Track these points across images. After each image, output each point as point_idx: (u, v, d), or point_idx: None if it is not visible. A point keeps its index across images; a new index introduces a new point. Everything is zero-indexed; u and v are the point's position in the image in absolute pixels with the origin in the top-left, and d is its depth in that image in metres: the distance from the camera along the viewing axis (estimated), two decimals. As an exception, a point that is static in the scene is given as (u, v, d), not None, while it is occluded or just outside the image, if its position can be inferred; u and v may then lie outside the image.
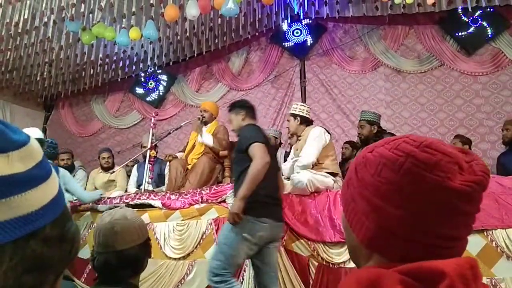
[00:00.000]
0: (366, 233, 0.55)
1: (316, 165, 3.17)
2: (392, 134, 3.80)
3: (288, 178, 3.26)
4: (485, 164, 0.54)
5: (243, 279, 2.81)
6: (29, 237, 0.39)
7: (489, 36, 4.62)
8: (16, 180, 0.38)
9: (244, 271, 2.83)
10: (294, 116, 3.39)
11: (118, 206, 3.53)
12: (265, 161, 2.16)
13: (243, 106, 2.60)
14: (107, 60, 5.58)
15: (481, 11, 4.57)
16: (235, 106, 2.63)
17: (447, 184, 0.50)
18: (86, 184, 5.06)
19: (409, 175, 0.51)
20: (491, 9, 4.52)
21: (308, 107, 3.47)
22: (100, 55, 5.27)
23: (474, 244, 2.32)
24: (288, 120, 3.51)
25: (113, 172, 4.73)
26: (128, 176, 5.01)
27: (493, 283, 2.19)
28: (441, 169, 0.51)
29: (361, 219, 0.56)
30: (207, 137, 3.90)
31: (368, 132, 3.63)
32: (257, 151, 2.20)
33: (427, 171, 0.51)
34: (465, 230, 0.53)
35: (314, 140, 3.18)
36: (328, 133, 3.42)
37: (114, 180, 4.80)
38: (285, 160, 4.34)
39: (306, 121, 3.38)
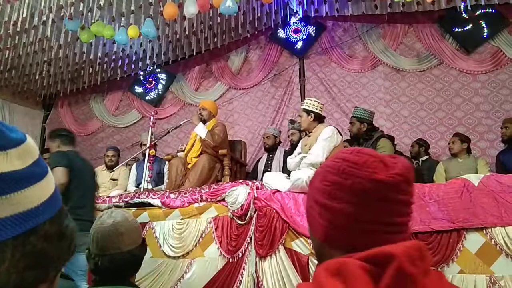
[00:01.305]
0: (322, 230, 0.67)
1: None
2: (383, 133, 3.78)
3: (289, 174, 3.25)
4: (408, 163, 0.65)
5: (242, 277, 2.81)
6: (29, 234, 0.39)
7: (488, 34, 4.62)
8: (15, 177, 0.39)
9: (243, 269, 2.83)
10: (308, 112, 3.35)
11: (117, 205, 3.54)
12: (60, 183, 2.56)
13: (58, 135, 2.95)
14: (106, 59, 5.57)
15: (480, 10, 4.57)
16: (51, 135, 3.01)
17: (374, 177, 0.62)
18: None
19: (345, 174, 0.64)
20: (491, 9, 4.52)
21: (321, 104, 3.43)
22: (99, 54, 5.26)
23: (473, 242, 2.32)
24: (300, 116, 3.46)
25: (113, 171, 4.73)
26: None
27: (492, 281, 2.20)
28: (368, 166, 0.63)
29: (318, 221, 0.68)
30: (200, 129, 3.98)
31: (357, 129, 3.61)
32: (54, 174, 2.74)
33: (358, 168, 0.64)
34: (401, 217, 0.63)
35: (326, 140, 3.16)
36: (340, 134, 3.39)
37: (116, 179, 4.80)
38: (284, 159, 4.34)
39: (319, 118, 3.36)
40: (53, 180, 0.46)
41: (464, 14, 4.60)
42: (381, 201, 0.61)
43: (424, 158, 4.36)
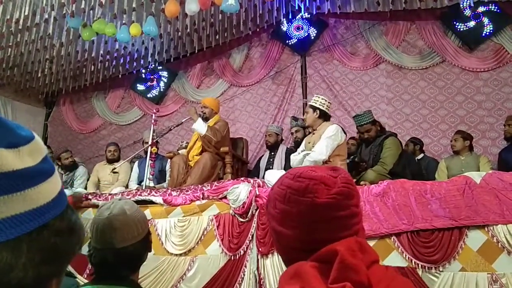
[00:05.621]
0: (281, 252, 0.76)
1: (325, 163, 3.15)
2: (391, 132, 3.78)
3: None
4: (348, 176, 0.71)
5: (243, 275, 2.82)
6: (42, 229, 0.40)
7: (491, 32, 4.60)
8: (28, 174, 0.40)
9: (245, 266, 2.84)
10: (314, 108, 3.36)
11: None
12: None
13: None
14: (107, 56, 5.57)
15: (483, 7, 4.55)
16: None
17: (316, 201, 0.67)
18: (88, 179, 5.08)
19: (291, 202, 0.70)
20: (494, 5, 4.50)
21: (329, 102, 3.44)
22: (101, 52, 5.25)
23: (475, 239, 2.32)
24: (306, 112, 3.48)
25: (115, 168, 4.74)
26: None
27: (494, 279, 2.20)
28: (310, 191, 0.68)
29: (276, 245, 0.76)
30: (200, 125, 3.84)
31: (375, 132, 3.60)
32: None
33: (300, 195, 0.69)
34: (345, 231, 0.68)
35: (330, 138, 3.16)
36: (344, 132, 3.39)
37: (117, 173, 4.81)
38: (286, 156, 4.34)
39: (325, 116, 3.36)
40: (59, 176, 0.46)
41: (466, 11, 4.58)
42: (324, 222, 0.68)
43: (420, 156, 4.35)
